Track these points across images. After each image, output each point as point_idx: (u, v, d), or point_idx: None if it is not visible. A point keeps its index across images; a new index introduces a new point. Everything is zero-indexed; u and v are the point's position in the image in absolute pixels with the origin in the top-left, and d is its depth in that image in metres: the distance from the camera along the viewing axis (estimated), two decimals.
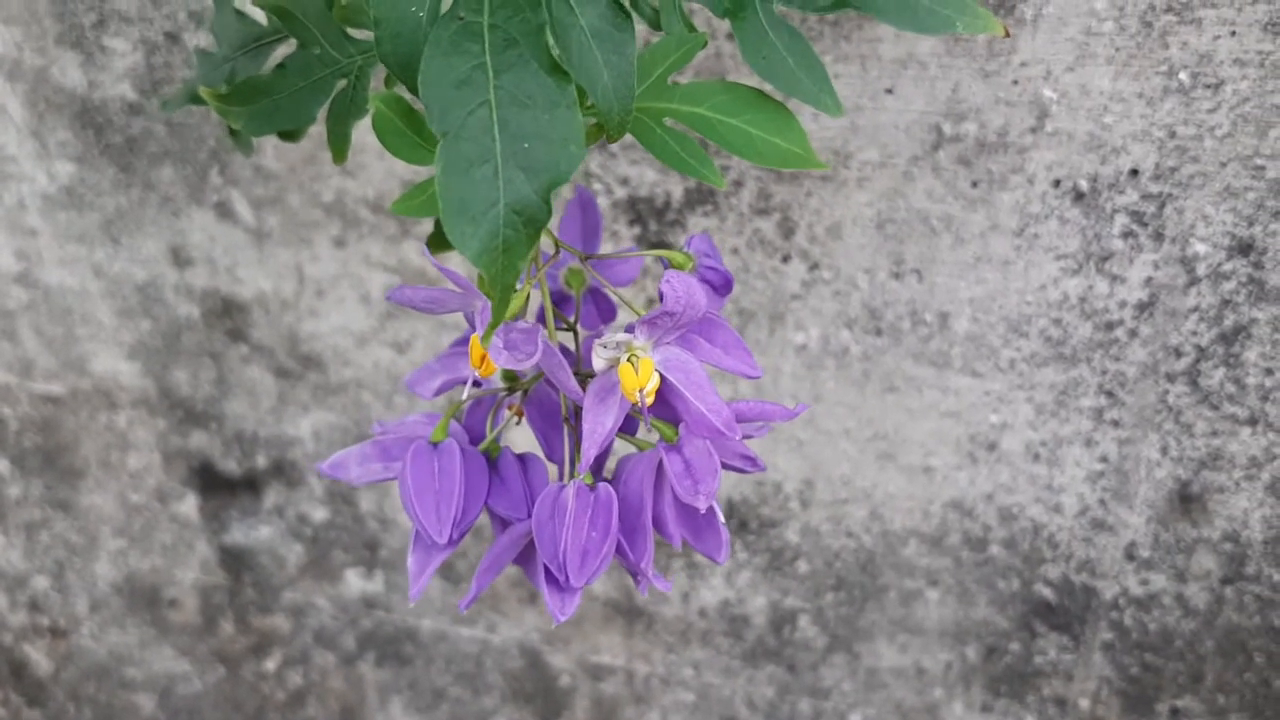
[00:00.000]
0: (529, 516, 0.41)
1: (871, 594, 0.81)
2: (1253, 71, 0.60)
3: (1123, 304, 0.68)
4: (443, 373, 0.45)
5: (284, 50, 0.51)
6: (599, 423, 0.39)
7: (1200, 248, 0.65)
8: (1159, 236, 0.65)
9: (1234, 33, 0.60)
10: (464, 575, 0.89)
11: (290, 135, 0.52)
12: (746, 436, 0.41)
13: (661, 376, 0.39)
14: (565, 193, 0.68)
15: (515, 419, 0.44)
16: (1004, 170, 0.66)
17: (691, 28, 0.45)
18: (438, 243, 0.52)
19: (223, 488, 0.91)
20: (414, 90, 0.36)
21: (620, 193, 0.72)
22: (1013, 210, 0.67)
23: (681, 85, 0.44)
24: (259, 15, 0.53)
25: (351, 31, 0.49)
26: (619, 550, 0.40)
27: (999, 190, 0.66)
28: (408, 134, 0.42)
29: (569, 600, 0.40)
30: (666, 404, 0.40)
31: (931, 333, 0.71)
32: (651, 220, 0.72)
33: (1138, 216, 0.65)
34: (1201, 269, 0.66)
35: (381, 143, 0.42)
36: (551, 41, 0.36)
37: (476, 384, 0.44)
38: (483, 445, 0.42)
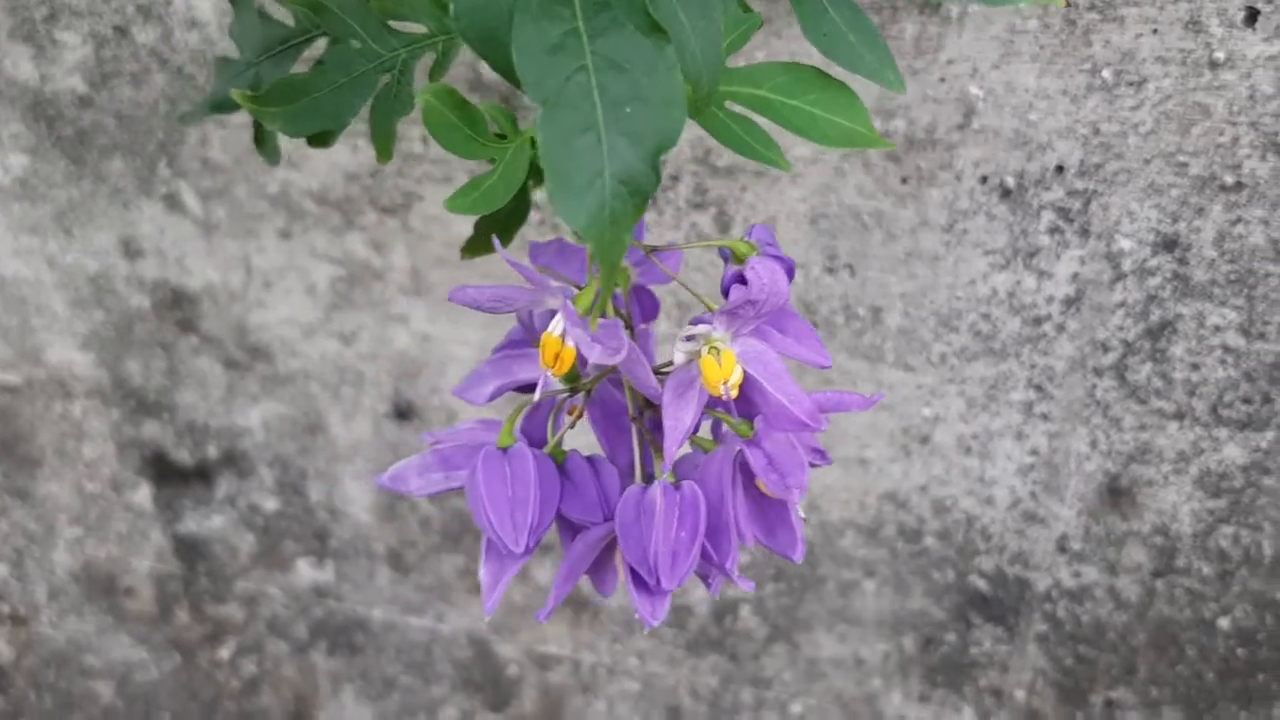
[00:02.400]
0: (604, 520, 0.39)
1: (810, 584, 0.80)
2: (1175, 69, 0.60)
3: (1050, 299, 0.67)
4: (494, 378, 0.43)
5: (311, 53, 0.49)
6: (680, 418, 0.37)
7: (1125, 244, 0.65)
8: (1085, 233, 0.65)
9: (1156, 30, 0.59)
10: (413, 565, 0.88)
11: (323, 138, 0.49)
12: (819, 430, 0.39)
13: (742, 370, 0.37)
14: None
15: (572, 422, 0.41)
16: (932, 167, 0.65)
17: (747, 8, 0.44)
18: (473, 246, 0.50)
19: (176, 477, 0.90)
20: (497, 64, 0.35)
21: None
22: (941, 206, 0.66)
23: (742, 67, 0.42)
24: (284, 16, 0.50)
25: (393, 24, 0.46)
26: (703, 550, 0.38)
27: (928, 187, 0.66)
28: (460, 127, 0.40)
29: (659, 604, 0.38)
30: (744, 398, 0.38)
31: (864, 327, 0.70)
32: None
33: (1064, 213, 0.65)
34: (1127, 265, 0.65)
35: (433, 137, 0.40)
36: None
37: (530, 388, 0.41)
38: (547, 449, 0.40)
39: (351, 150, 0.73)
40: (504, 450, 0.38)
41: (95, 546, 0.96)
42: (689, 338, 0.36)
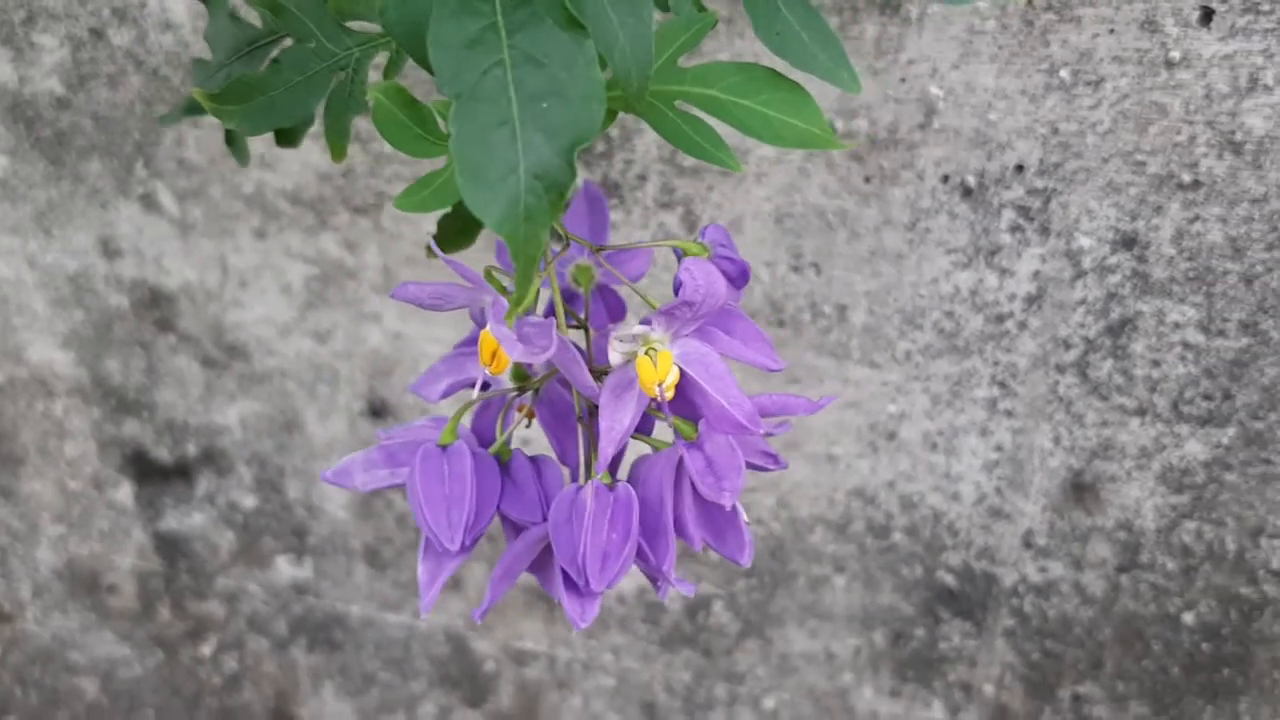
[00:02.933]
0: (544, 521, 0.38)
1: (781, 580, 0.80)
2: (1131, 69, 0.60)
3: (1012, 297, 0.67)
4: (448, 375, 0.43)
5: (279, 54, 0.49)
6: (616, 420, 0.37)
7: (1085, 241, 0.65)
8: (1045, 231, 0.65)
9: (1112, 30, 0.59)
10: (389, 562, 0.88)
11: (288, 136, 0.50)
12: (768, 433, 0.38)
13: (680, 370, 0.36)
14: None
15: (525, 421, 0.41)
16: (895, 166, 0.65)
17: (701, 7, 0.43)
18: (444, 240, 0.49)
19: (156, 475, 0.90)
20: (420, 59, 0.34)
21: None
22: (904, 205, 0.66)
23: (693, 67, 0.42)
24: (255, 18, 0.51)
25: (349, 24, 0.46)
26: (638, 553, 0.38)
27: (891, 186, 0.66)
28: (409, 125, 0.40)
29: (589, 606, 0.37)
30: (685, 399, 0.37)
31: (830, 325, 0.71)
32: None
33: (1024, 211, 0.65)
34: (1087, 262, 0.65)
35: (382, 135, 0.40)
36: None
37: (486, 385, 0.41)
38: (493, 448, 0.39)
39: (323, 150, 0.73)
40: (444, 448, 0.38)
41: (78, 544, 0.96)
42: (625, 338, 0.36)
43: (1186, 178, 0.62)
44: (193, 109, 0.53)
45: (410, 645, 0.92)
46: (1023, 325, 0.68)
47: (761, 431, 0.36)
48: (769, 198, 0.68)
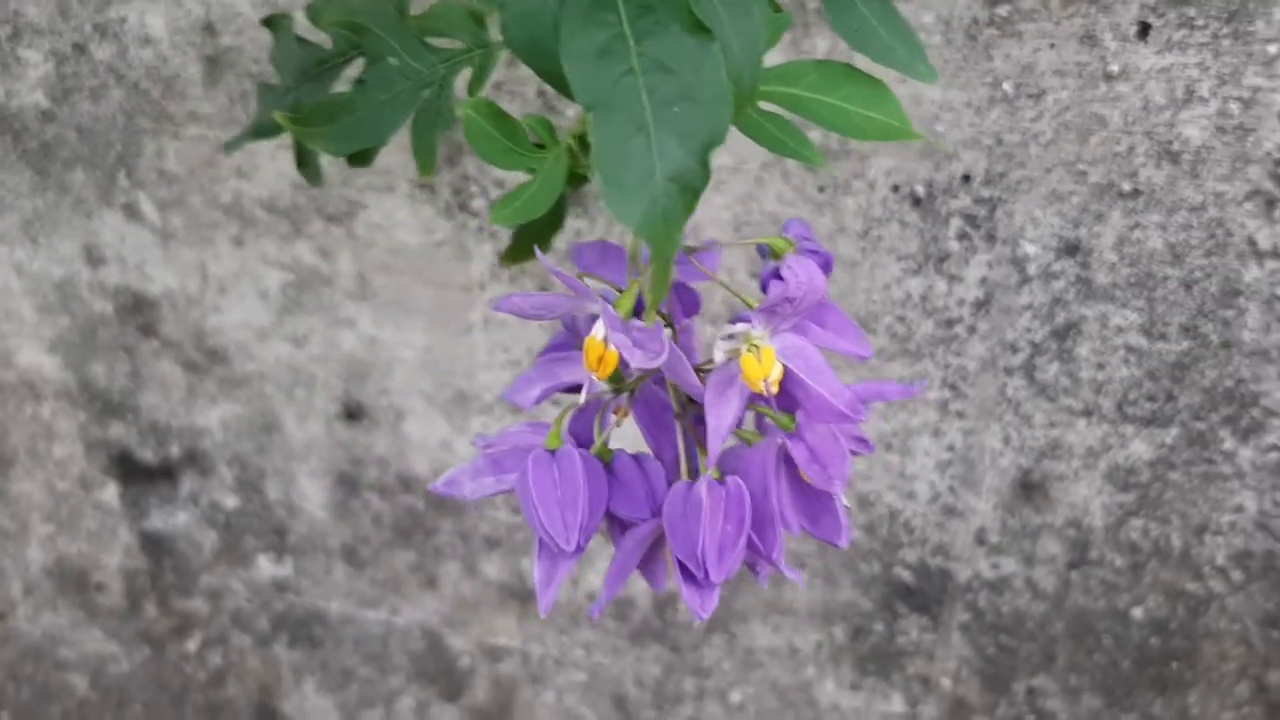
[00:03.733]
0: (651, 516, 0.39)
1: (744, 576, 0.82)
2: (1071, 81, 0.61)
3: (961, 302, 0.68)
4: (541, 381, 0.42)
5: (348, 75, 0.48)
6: (722, 415, 0.37)
7: (1030, 249, 0.66)
8: (991, 238, 0.66)
9: (1053, 45, 0.61)
10: (367, 560, 0.89)
11: (363, 157, 0.49)
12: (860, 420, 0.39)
13: (782, 365, 0.37)
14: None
15: (618, 422, 0.41)
16: (847, 176, 0.66)
17: (777, 8, 0.43)
18: (514, 254, 0.50)
19: (141, 476, 0.91)
20: (544, 73, 0.35)
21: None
22: (857, 214, 0.67)
23: (774, 67, 0.42)
24: (321, 39, 0.50)
25: (431, 41, 0.46)
26: (749, 543, 0.38)
27: (843, 195, 0.67)
28: (499, 139, 0.40)
29: (708, 596, 0.37)
30: (784, 392, 0.37)
31: None
32: None
33: (971, 219, 0.66)
34: (1032, 269, 0.66)
35: (474, 148, 0.40)
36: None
37: (575, 389, 0.41)
38: (594, 449, 0.40)
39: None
40: (552, 452, 0.39)
41: (67, 543, 0.97)
42: (728, 336, 0.36)
43: (1126, 186, 0.63)
44: (259, 133, 0.53)
45: (388, 641, 0.93)
46: (972, 329, 0.69)
47: (862, 418, 0.37)
48: (727, 206, 0.69)
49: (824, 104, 0.40)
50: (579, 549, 0.37)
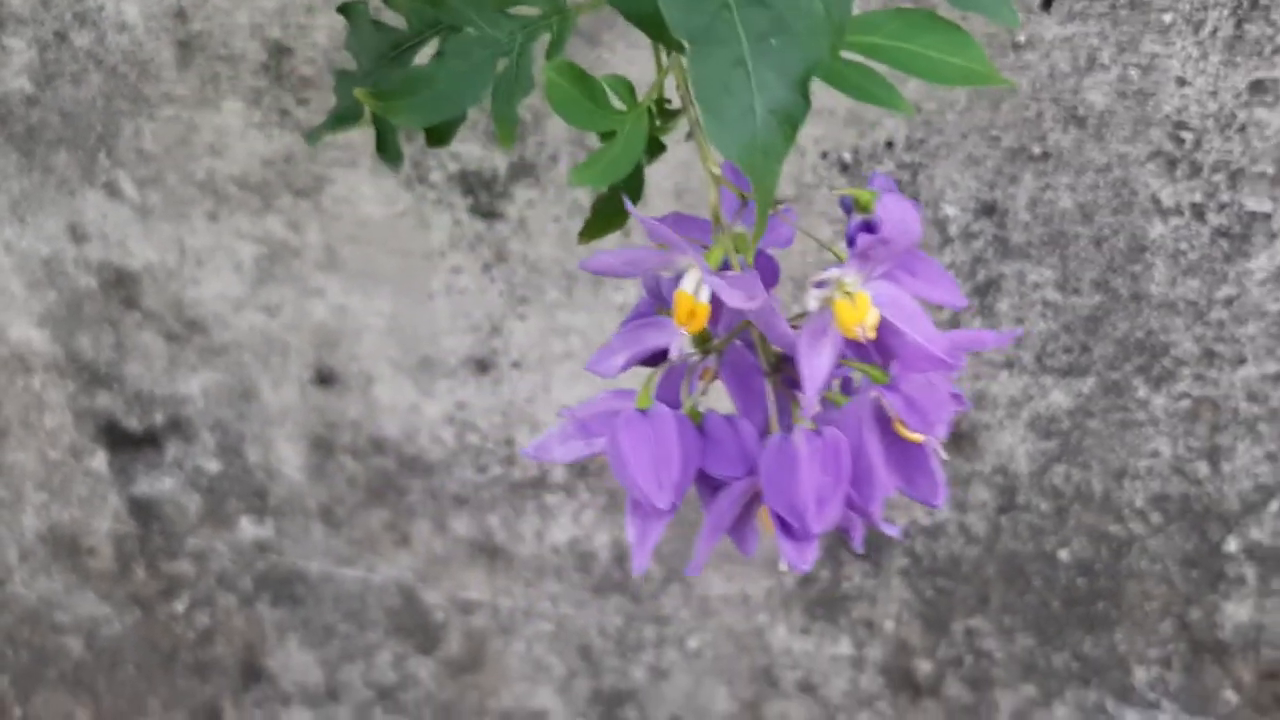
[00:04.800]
0: (746, 475, 0.38)
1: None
2: (983, 50, 0.65)
3: None
4: (625, 348, 0.41)
5: (427, 53, 0.49)
6: (816, 365, 0.36)
7: (951, 210, 0.70)
8: (915, 201, 0.70)
9: (964, 17, 0.64)
10: (343, 520, 0.93)
11: (441, 133, 0.49)
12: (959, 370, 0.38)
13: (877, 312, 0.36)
14: None
15: (704, 387, 0.40)
16: None
17: None
18: (593, 228, 0.49)
19: (128, 443, 0.95)
20: (638, 15, 0.36)
21: (453, 167, 0.76)
22: (789, 180, 0.71)
23: (855, 16, 0.41)
24: (396, 21, 0.51)
25: (508, 10, 0.47)
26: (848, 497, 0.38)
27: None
28: (583, 100, 0.40)
29: (808, 549, 0.37)
30: (879, 341, 0.37)
31: None
32: (482, 192, 0.77)
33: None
34: (953, 229, 0.71)
35: (557, 111, 0.40)
36: None
37: (658, 357, 0.40)
38: (684, 410, 0.39)
39: (267, 138, 0.78)
40: (644, 412, 0.38)
41: (59, 510, 1.02)
42: (821, 283, 0.36)
43: (1037, 150, 0.67)
44: (341, 120, 0.52)
45: (365, 598, 0.97)
46: None
47: (960, 366, 0.36)
48: (668, 175, 0.73)
49: (906, 51, 0.40)
50: (673, 507, 0.37)
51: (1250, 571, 0.77)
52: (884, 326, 0.36)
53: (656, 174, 0.73)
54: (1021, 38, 0.64)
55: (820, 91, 0.68)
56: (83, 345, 0.92)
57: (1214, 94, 0.64)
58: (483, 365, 0.83)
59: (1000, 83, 0.40)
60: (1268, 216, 0.67)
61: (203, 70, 0.77)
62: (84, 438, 0.97)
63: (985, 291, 0.72)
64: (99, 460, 0.97)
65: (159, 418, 0.93)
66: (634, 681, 0.94)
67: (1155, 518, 0.77)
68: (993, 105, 0.66)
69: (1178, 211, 0.67)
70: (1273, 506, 0.75)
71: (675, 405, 0.40)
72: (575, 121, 0.40)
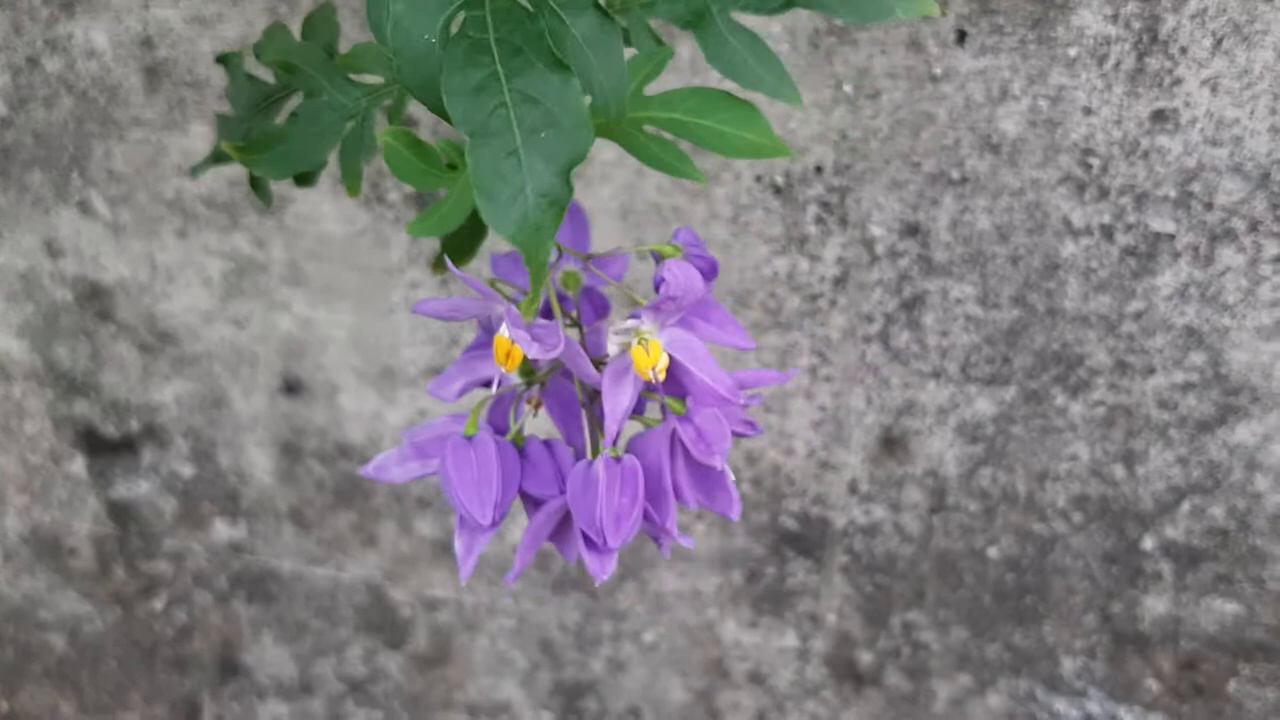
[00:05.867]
0: (560, 494, 0.43)
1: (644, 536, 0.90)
2: (903, 83, 0.70)
3: (822, 279, 0.77)
4: (461, 376, 0.47)
5: (293, 104, 0.54)
6: (618, 402, 0.41)
7: (877, 231, 0.74)
8: (844, 222, 0.75)
9: (884, 51, 0.69)
10: (313, 521, 0.98)
11: (305, 178, 0.55)
12: (745, 404, 0.43)
13: (669, 355, 0.41)
14: None
15: (533, 411, 0.46)
16: (715, 168, 0.75)
17: (660, 41, 0.48)
18: (441, 263, 0.54)
19: (105, 449, 1.00)
20: (432, 106, 0.39)
21: (408, 189, 0.80)
22: (726, 201, 0.76)
23: (658, 94, 0.46)
24: (268, 75, 0.57)
25: (355, 77, 0.51)
26: (645, 515, 0.42)
27: (714, 185, 0.75)
28: (416, 162, 0.45)
29: (607, 561, 0.42)
30: (674, 380, 0.42)
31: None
32: None
33: (825, 206, 0.74)
34: (880, 249, 0.75)
35: (393, 172, 0.45)
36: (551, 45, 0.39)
37: (492, 383, 0.45)
38: (509, 436, 0.44)
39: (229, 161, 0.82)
40: (469, 439, 0.43)
41: (41, 512, 1.06)
42: (620, 331, 0.41)
43: (955, 175, 0.72)
44: (220, 158, 0.58)
45: (336, 595, 1.02)
46: (833, 303, 0.78)
47: (741, 402, 0.42)
48: (613, 196, 0.77)
49: (703, 127, 0.45)
50: (494, 524, 0.42)
51: (1166, 568, 0.82)
52: (678, 368, 0.42)
53: (603, 196, 0.77)
54: (938, 70, 0.69)
55: None
56: (60, 355, 0.96)
57: (1118, 122, 0.69)
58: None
59: (785, 154, 0.44)
60: (1171, 236, 0.71)
61: (170, 95, 0.81)
62: (63, 443, 1.01)
63: (911, 306, 0.76)
64: (78, 465, 1.02)
65: (135, 424, 0.97)
66: (593, 673, 0.99)
67: (1076, 517, 0.82)
68: (913, 133, 0.71)
69: (1088, 232, 0.72)
70: (1185, 507, 0.80)
71: (505, 429, 0.46)
72: (410, 181, 0.45)
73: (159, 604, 1.08)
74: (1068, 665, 0.88)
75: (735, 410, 0.43)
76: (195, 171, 0.62)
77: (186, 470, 0.99)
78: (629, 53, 0.46)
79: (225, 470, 0.97)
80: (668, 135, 0.46)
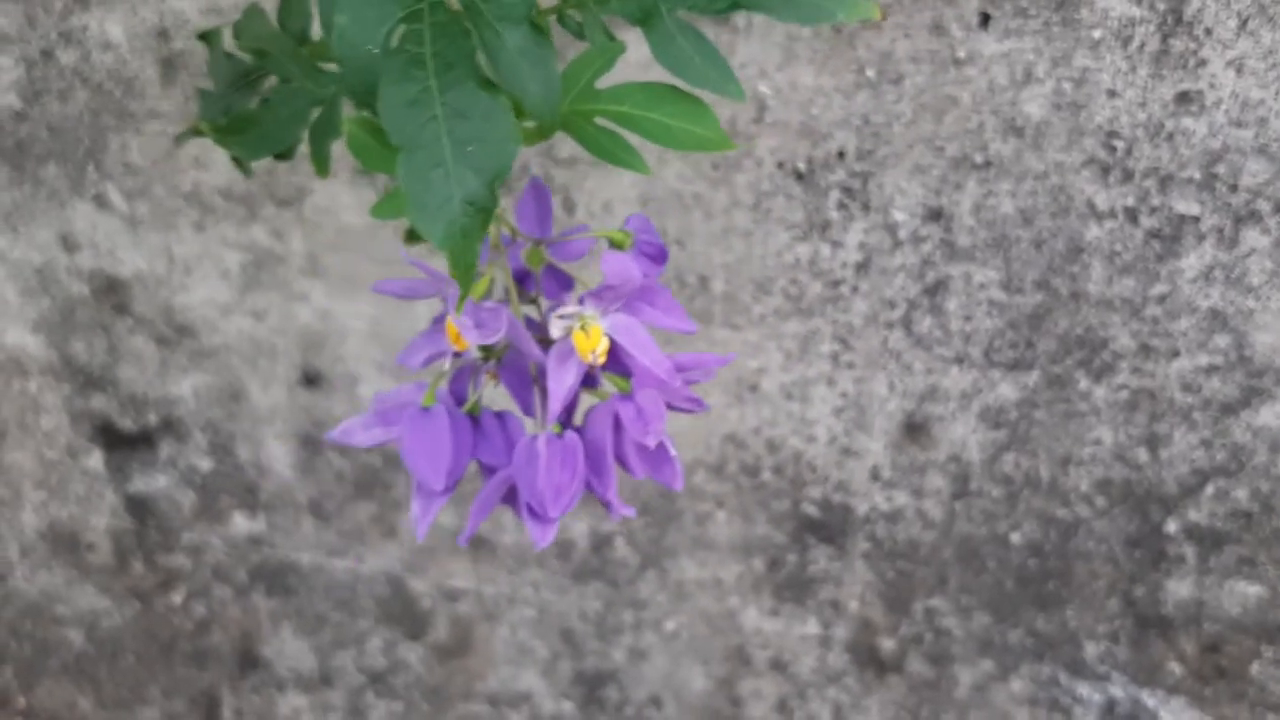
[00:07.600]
0: (509, 464, 0.46)
1: (671, 517, 0.91)
2: (926, 67, 0.70)
3: (844, 265, 0.77)
4: (426, 347, 0.49)
5: (270, 83, 0.58)
6: (561, 382, 0.44)
7: (900, 216, 0.75)
8: (866, 207, 0.75)
9: (908, 35, 0.69)
10: (332, 513, 0.98)
11: (283, 156, 0.58)
12: (691, 382, 0.46)
13: (611, 339, 0.44)
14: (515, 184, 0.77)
15: (492, 383, 0.49)
16: (737, 155, 0.75)
17: (611, 37, 0.49)
18: (411, 237, 0.56)
19: (123, 443, 1.00)
20: (375, 113, 0.41)
21: None
22: (748, 188, 0.76)
23: (607, 88, 0.48)
24: (247, 56, 0.60)
25: (323, 65, 0.54)
26: (589, 485, 0.45)
27: (735, 172, 0.76)
28: (377, 148, 0.46)
29: (548, 529, 0.45)
30: (619, 362, 0.45)
31: (695, 293, 0.81)
32: None
33: (848, 191, 0.75)
34: (903, 234, 0.75)
35: (355, 156, 0.47)
36: (485, 61, 0.41)
37: (457, 355, 0.48)
38: (466, 406, 0.47)
39: None
40: (425, 409, 0.46)
41: (58, 508, 1.06)
42: (562, 316, 0.44)
43: (979, 159, 0.72)
44: (200, 132, 0.61)
45: (356, 587, 1.02)
46: (855, 289, 0.78)
47: (678, 384, 0.44)
48: (634, 184, 0.77)
49: (651, 120, 0.47)
50: (447, 490, 0.45)
51: (1190, 551, 0.83)
52: (620, 351, 0.44)
53: (624, 184, 0.77)
54: (962, 54, 0.69)
55: (776, 106, 0.73)
56: (77, 349, 0.96)
57: (1143, 105, 0.69)
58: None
59: (730, 148, 0.46)
60: (1196, 219, 0.72)
61: (185, 86, 0.81)
62: (80, 438, 1.01)
63: (934, 292, 0.77)
64: (95, 459, 1.02)
65: (152, 418, 0.98)
66: (614, 663, 1.00)
67: (1100, 501, 0.82)
68: (936, 117, 0.71)
69: (1112, 215, 0.72)
70: (1208, 490, 0.80)
71: (463, 400, 0.48)
72: (370, 165, 0.47)
73: (177, 598, 1.08)
74: (1090, 649, 0.88)
75: (678, 389, 0.45)
76: (179, 140, 0.64)
77: (205, 464, 0.99)
78: (583, 46, 0.49)
79: (244, 463, 0.98)
80: (616, 127, 0.47)
